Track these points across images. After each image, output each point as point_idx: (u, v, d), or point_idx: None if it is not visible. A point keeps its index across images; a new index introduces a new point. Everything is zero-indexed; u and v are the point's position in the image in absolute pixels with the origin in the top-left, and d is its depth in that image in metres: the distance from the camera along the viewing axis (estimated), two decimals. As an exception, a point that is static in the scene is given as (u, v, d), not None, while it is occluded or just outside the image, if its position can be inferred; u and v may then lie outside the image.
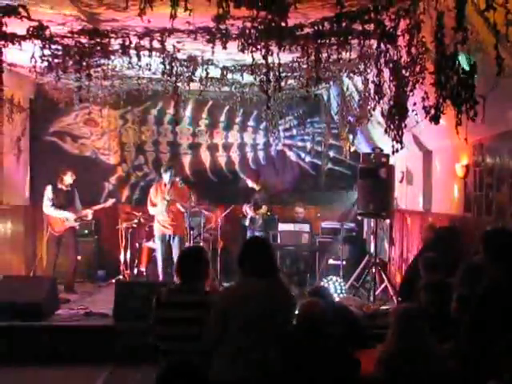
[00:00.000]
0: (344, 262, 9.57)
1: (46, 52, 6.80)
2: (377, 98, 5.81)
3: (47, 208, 9.29)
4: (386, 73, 5.46)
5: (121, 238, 10.14)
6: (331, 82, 9.69)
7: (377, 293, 8.67)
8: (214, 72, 8.47)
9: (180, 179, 9.70)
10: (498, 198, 5.97)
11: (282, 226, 10.40)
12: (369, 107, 7.23)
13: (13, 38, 6.31)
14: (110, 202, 9.84)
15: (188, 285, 4.29)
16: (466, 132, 4.74)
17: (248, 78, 8.59)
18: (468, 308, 3.81)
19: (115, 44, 6.91)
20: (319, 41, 6.09)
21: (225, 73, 8.61)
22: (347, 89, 9.00)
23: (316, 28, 5.94)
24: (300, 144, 11.77)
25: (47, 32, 6.26)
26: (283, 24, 5.21)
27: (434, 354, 3.72)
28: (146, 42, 6.78)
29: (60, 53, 7.03)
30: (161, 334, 4.18)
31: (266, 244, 4.27)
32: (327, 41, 6.09)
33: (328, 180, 11.61)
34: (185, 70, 7.95)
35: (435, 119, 4.43)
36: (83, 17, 6.35)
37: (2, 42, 6.23)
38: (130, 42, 6.76)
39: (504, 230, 4.82)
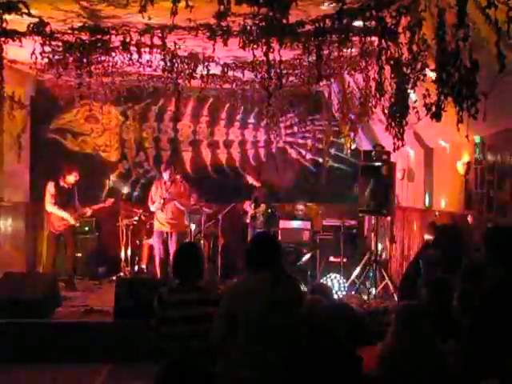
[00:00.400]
0: (345, 260, 9.56)
1: (47, 49, 6.80)
2: (378, 95, 5.80)
3: (50, 206, 9.30)
4: (387, 70, 5.45)
5: (121, 235, 10.14)
6: (332, 80, 9.68)
7: (377, 290, 8.67)
8: (215, 69, 8.46)
9: (180, 177, 9.70)
10: (499, 195, 5.96)
11: (282, 223, 10.39)
12: (370, 104, 7.22)
13: (13, 35, 6.29)
14: (109, 201, 9.84)
15: (188, 283, 4.29)
16: (468, 129, 4.74)
17: (249, 75, 8.58)
18: (469, 306, 3.80)
19: (116, 41, 6.90)
20: (320, 38, 6.07)
21: (226, 70, 8.60)
22: (348, 86, 8.99)
23: (317, 25, 5.93)
24: (301, 141, 11.76)
25: (48, 29, 6.25)
26: (284, 21, 5.21)
27: (435, 352, 3.71)
28: (146, 39, 6.77)
29: (60, 49, 7.01)
30: (163, 333, 4.18)
31: (273, 240, 4.21)
32: (328, 38, 6.08)
33: (329, 177, 11.60)
34: (185, 67, 7.94)
35: (436, 116, 4.42)
36: (84, 13, 6.34)
37: (3, 39, 6.21)
38: (131, 39, 6.75)
39: (505, 227, 4.81)
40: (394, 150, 5.38)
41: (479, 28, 4.35)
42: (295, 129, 11.72)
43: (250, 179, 10.54)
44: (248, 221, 10.36)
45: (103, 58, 7.57)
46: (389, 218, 9.35)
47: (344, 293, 8.75)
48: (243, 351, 3.76)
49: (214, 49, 6.35)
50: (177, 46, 7.12)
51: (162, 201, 9.22)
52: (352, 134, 9.61)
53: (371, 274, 8.80)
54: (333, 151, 11.58)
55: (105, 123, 11.43)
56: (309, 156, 11.75)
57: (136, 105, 11.44)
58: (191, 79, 8.13)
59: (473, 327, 3.70)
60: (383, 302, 8.00)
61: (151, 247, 10.11)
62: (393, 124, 5.25)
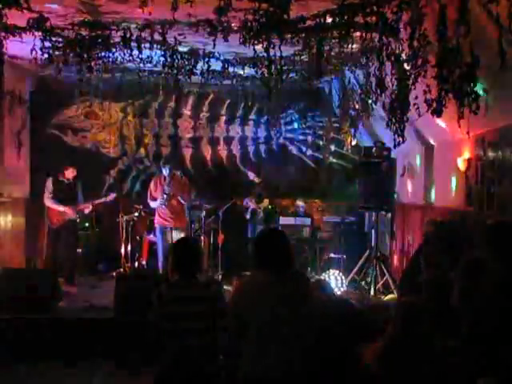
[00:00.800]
0: (345, 256, 9.56)
1: (47, 44, 6.79)
2: (378, 91, 5.79)
3: (46, 200, 9.32)
4: (388, 66, 5.44)
5: (121, 231, 10.14)
6: (333, 76, 9.66)
7: (377, 287, 8.67)
8: (216, 65, 8.45)
9: (180, 172, 9.70)
10: (499, 191, 5.95)
11: (282, 220, 10.39)
12: (370, 101, 7.21)
13: (13, 30, 6.28)
14: (111, 196, 9.82)
15: (187, 279, 4.28)
16: (468, 126, 4.73)
17: (249, 71, 8.57)
18: (469, 303, 3.79)
19: (116, 36, 6.89)
20: (321, 34, 6.06)
21: (226, 66, 8.59)
22: (349, 82, 8.97)
23: (318, 21, 5.92)
24: (301, 138, 11.75)
25: (48, 24, 6.24)
26: (285, 17, 5.20)
27: (435, 349, 3.71)
28: (146, 35, 6.76)
29: (61, 45, 7.00)
30: (163, 330, 4.17)
31: (281, 236, 4.13)
32: (329, 34, 6.07)
33: (329, 174, 11.59)
34: (186, 63, 7.93)
35: (437, 112, 4.41)
36: (84, 9, 6.33)
37: (3, 34, 6.20)
38: (131, 35, 6.74)
39: (506, 223, 4.80)
40: (395, 146, 5.37)
41: (480, 24, 4.34)
42: (295, 125, 11.71)
43: (251, 175, 10.52)
44: (248, 217, 10.36)
45: (103, 53, 7.56)
46: (389, 215, 9.35)
47: (344, 289, 8.76)
48: (256, 351, 3.73)
49: (214, 44, 6.33)
50: (177, 41, 7.10)
51: (165, 196, 9.19)
52: (352, 131, 9.60)
53: (371, 271, 8.80)
54: (333, 147, 11.57)
55: (105, 119, 11.43)
56: (309, 152, 11.74)
57: (136, 101, 11.43)
58: (191, 75, 8.12)
59: (473, 325, 3.69)
60: (383, 299, 7.99)
61: (151, 243, 10.11)
62: (393, 120, 5.24)
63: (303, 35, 6.27)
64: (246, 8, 5.41)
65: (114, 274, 9.57)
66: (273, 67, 6.27)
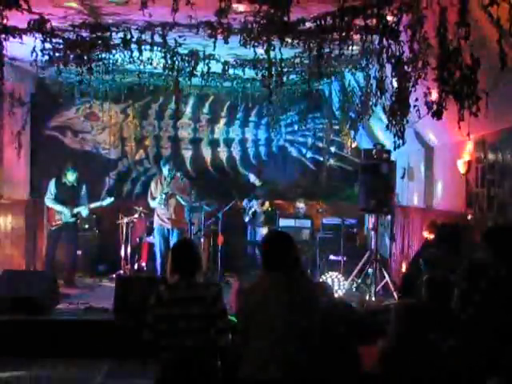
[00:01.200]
0: (345, 258, 9.55)
1: (47, 46, 6.79)
2: (379, 93, 5.79)
3: (47, 200, 9.34)
4: (388, 68, 5.43)
5: (121, 233, 10.13)
6: (333, 78, 9.67)
7: (377, 289, 8.66)
8: (216, 67, 8.45)
9: (181, 174, 9.70)
10: (499, 194, 5.95)
11: (282, 222, 10.38)
12: (370, 103, 7.21)
13: (14, 31, 6.28)
14: (108, 200, 9.80)
15: (186, 280, 4.28)
16: (469, 128, 4.72)
17: (249, 72, 8.57)
18: (470, 305, 3.79)
19: (116, 38, 6.89)
20: (321, 36, 6.06)
21: (226, 68, 8.58)
22: (349, 84, 8.99)
23: (318, 23, 5.92)
24: (301, 139, 11.75)
25: (48, 25, 6.24)
26: (285, 19, 5.19)
27: (435, 350, 3.71)
28: (147, 36, 6.76)
29: (61, 46, 7.00)
30: (162, 331, 4.16)
31: (287, 239, 4.14)
32: (329, 36, 6.06)
33: (329, 176, 11.59)
34: (186, 64, 7.93)
35: (437, 115, 4.41)
36: (84, 10, 6.33)
37: (3, 35, 6.20)
38: (132, 36, 6.74)
39: (506, 226, 4.81)
40: (395, 148, 5.36)
41: (481, 26, 4.34)
42: (296, 127, 11.71)
43: (252, 177, 10.51)
44: (247, 219, 10.34)
45: (104, 55, 7.56)
46: (389, 217, 9.35)
47: (344, 291, 8.75)
48: (258, 352, 3.72)
49: (214, 46, 6.33)
50: (177, 43, 7.11)
51: (163, 196, 9.20)
52: (352, 133, 9.60)
53: (371, 273, 8.79)
54: (333, 149, 11.57)
55: (105, 121, 11.43)
56: (309, 154, 11.74)
57: (136, 102, 11.43)
58: (192, 77, 8.12)
59: (473, 326, 3.69)
60: (383, 301, 7.99)
61: (151, 245, 10.11)
62: (393, 122, 5.24)
63: (303, 37, 6.27)
64: (247, 10, 5.41)
65: (114, 275, 9.57)
66: (273, 69, 6.27)
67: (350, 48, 6.19)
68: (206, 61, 8.07)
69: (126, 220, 10.11)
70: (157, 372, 4.12)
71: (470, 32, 4.00)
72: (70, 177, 9.39)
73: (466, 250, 6.09)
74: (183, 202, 9.33)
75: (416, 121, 6.11)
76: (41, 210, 9.82)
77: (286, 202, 11.24)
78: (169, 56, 7.42)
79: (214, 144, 11.72)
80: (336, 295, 8.16)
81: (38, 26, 6.16)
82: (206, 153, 11.71)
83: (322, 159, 11.66)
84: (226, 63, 8.48)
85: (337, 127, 10.80)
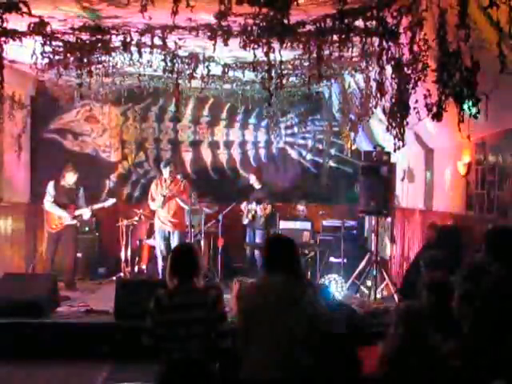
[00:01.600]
0: (345, 260, 9.56)
1: (47, 49, 6.79)
2: (378, 95, 5.79)
3: (47, 204, 9.33)
4: (388, 70, 5.44)
5: (121, 236, 10.13)
6: (333, 80, 9.67)
7: (378, 291, 8.66)
8: (216, 69, 8.46)
9: (181, 176, 9.70)
10: (499, 196, 5.95)
11: (283, 224, 10.37)
12: (370, 105, 7.21)
13: (14, 34, 6.28)
14: (110, 201, 9.79)
15: (185, 285, 4.28)
16: (468, 130, 4.72)
17: (249, 75, 8.58)
18: (470, 307, 3.79)
19: (116, 41, 6.90)
20: (321, 38, 6.06)
21: (226, 70, 8.59)
22: (349, 86, 8.99)
23: (318, 25, 5.93)
24: (301, 142, 11.76)
25: (48, 28, 6.24)
26: (285, 21, 5.20)
27: (436, 353, 3.70)
28: (147, 39, 6.77)
29: (61, 49, 7.01)
30: (162, 336, 4.16)
31: (288, 242, 4.15)
32: (329, 38, 6.07)
33: (329, 178, 11.59)
34: (186, 67, 7.94)
35: (437, 117, 4.41)
36: (84, 13, 6.33)
37: (3, 38, 6.20)
38: (131, 39, 6.74)
39: (506, 228, 4.81)
40: (395, 150, 5.37)
41: (480, 28, 4.35)
42: (295, 129, 11.72)
43: (253, 179, 10.50)
44: (246, 222, 10.33)
45: (103, 57, 7.57)
46: (389, 219, 9.35)
47: (344, 293, 8.75)
48: (258, 353, 3.72)
49: (214, 49, 6.34)
50: (177, 46, 7.11)
51: (162, 198, 9.21)
52: (352, 135, 9.60)
53: (371, 275, 8.79)
54: (333, 152, 11.58)
55: (105, 123, 11.44)
56: (309, 157, 11.75)
57: (136, 105, 11.44)
58: (191, 79, 8.13)
59: (473, 327, 3.69)
60: (383, 303, 7.98)
61: (151, 247, 10.11)
62: (393, 124, 5.24)
63: (303, 40, 6.28)
64: (247, 12, 5.40)
65: (114, 278, 9.56)
66: (273, 71, 6.27)
67: (350, 50, 6.19)
68: (206, 63, 8.08)
69: (126, 222, 10.11)
70: (157, 376, 4.11)
71: (470, 34, 4.00)
72: (71, 179, 9.38)
73: (465, 252, 6.10)
74: (183, 205, 9.33)
75: (416, 123, 6.11)
76: (41, 212, 9.81)
77: (286, 204, 11.24)
78: (169, 58, 7.42)
79: (213, 146, 11.73)
80: (336, 297, 8.16)
81: (38, 28, 6.17)
82: (206, 155, 11.71)
83: (321, 161, 11.67)
84: (225, 65, 8.49)
85: (337, 129, 10.81)
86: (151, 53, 7.09)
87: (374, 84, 6.23)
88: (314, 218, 10.97)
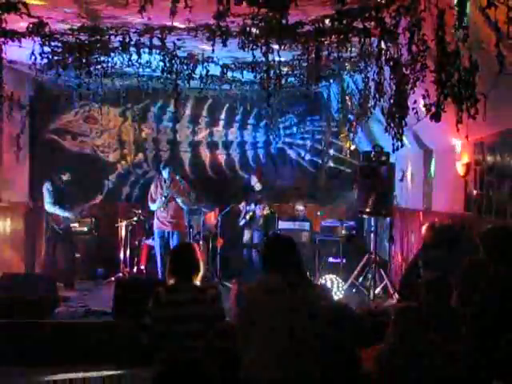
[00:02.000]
0: (344, 261, 9.56)
1: (46, 49, 6.79)
2: (377, 95, 5.79)
3: (49, 206, 9.33)
4: (387, 71, 5.44)
5: (120, 236, 10.13)
6: (331, 80, 9.67)
7: (377, 291, 8.67)
8: (214, 70, 8.46)
9: (180, 177, 9.70)
10: (498, 196, 5.95)
11: (281, 224, 10.38)
12: (369, 105, 7.21)
13: (13, 35, 6.28)
14: (98, 198, 9.87)
15: (185, 283, 4.28)
16: (467, 130, 4.73)
17: (248, 75, 8.58)
18: (469, 306, 3.80)
19: (115, 41, 6.90)
20: (319, 38, 6.07)
21: (225, 70, 8.59)
22: (347, 87, 8.99)
23: (316, 25, 5.93)
24: (300, 142, 11.76)
25: (47, 29, 6.24)
26: (284, 21, 5.20)
27: (434, 353, 3.71)
28: (145, 40, 6.77)
29: (60, 50, 7.01)
30: (161, 333, 4.17)
31: (288, 242, 4.14)
32: (327, 38, 6.07)
33: (328, 178, 11.59)
34: (185, 67, 7.94)
35: (436, 117, 4.41)
36: (83, 14, 6.33)
37: (2, 39, 6.20)
38: (130, 39, 6.75)
39: (504, 228, 4.81)
40: (393, 150, 5.37)
41: (479, 29, 4.35)
42: (294, 129, 11.72)
43: (254, 181, 10.50)
44: (243, 223, 10.32)
45: (102, 58, 7.57)
46: (388, 219, 9.35)
47: (343, 294, 8.75)
48: (259, 354, 3.72)
49: (213, 49, 6.34)
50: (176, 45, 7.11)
51: (163, 198, 9.21)
52: (351, 135, 9.61)
53: (370, 275, 8.79)
54: (332, 152, 11.58)
55: (104, 124, 11.43)
56: (308, 157, 11.75)
57: (135, 105, 11.43)
58: (190, 80, 8.13)
59: (472, 327, 3.69)
60: (382, 303, 7.99)
61: (150, 248, 10.11)
62: (392, 125, 5.24)
63: (302, 40, 6.28)
64: (245, 13, 5.40)
65: (113, 278, 9.56)
66: (271, 72, 6.28)
67: (349, 50, 6.20)
68: (205, 64, 8.08)
69: (124, 223, 10.11)
70: (155, 374, 4.11)
71: (468, 34, 4.01)
72: (66, 179, 9.43)
73: (464, 252, 6.10)
74: (182, 205, 9.33)
75: (415, 123, 6.12)
76: (40, 213, 9.81)
77: (284, 205, 11.24)
78: (167, 59, 7.43)
79: (212, 147, 11.73)
80: (335, 298, 8.16)
81: (37, 29, 6.17)
82: (205, 155, 11.71)
83: (320, 161, 11.67)
84: (224, 66, 8.50)
85: (335, 129, 10.81)
86: (150, 53, 7.09)
87: (372, 84, 6.23)
88: (313, 218, 10.98)
